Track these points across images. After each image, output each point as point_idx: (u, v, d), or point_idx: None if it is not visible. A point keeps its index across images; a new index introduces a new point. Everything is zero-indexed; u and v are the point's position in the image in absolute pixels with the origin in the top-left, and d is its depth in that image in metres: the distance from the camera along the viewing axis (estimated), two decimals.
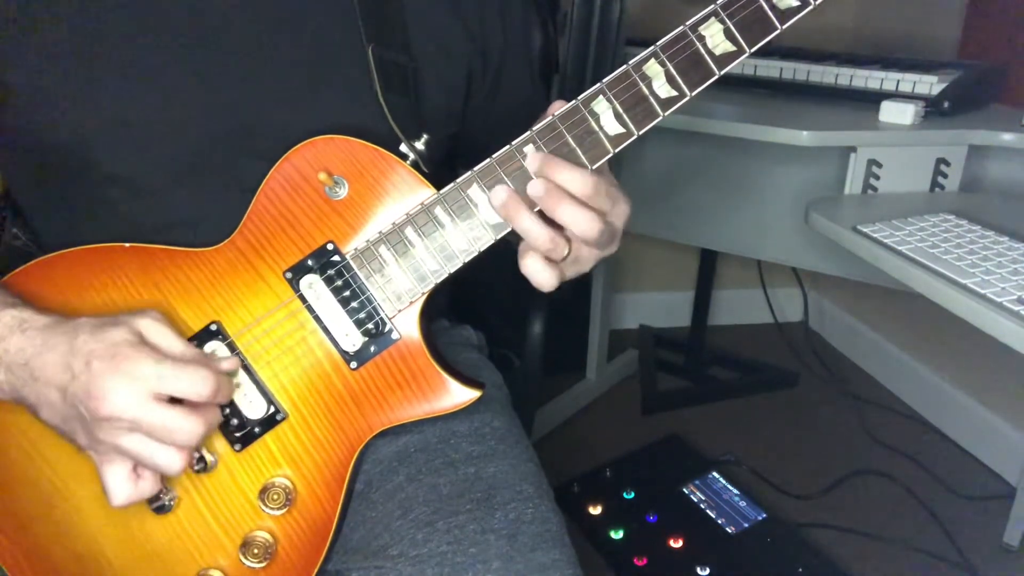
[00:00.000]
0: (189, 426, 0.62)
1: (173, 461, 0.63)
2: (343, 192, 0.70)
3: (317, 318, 0.70)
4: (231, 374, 0.68)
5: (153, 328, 0.64)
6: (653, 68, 0.66)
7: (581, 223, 0.65)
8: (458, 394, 0.72)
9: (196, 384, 0.62)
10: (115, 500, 0.64)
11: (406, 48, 0.76)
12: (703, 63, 0.66)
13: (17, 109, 0.70)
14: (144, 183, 0.72)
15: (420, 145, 0.73)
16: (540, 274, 0.67)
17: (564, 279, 0.71)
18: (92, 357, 0.61)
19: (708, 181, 1.67)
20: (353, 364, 0.71)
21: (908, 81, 1.48)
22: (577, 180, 0.65)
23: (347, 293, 0.70)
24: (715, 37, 0.66)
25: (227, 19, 0.72)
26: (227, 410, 0.69)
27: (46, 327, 0.64)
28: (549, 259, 0.67)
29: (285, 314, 0.70)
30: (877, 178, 1.38)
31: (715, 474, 1.77)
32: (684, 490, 1.72)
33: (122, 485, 0.64)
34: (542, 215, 0.66)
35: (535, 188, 0.65)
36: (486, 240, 0.69)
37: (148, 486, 0.65)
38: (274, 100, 0.73)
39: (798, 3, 0.65)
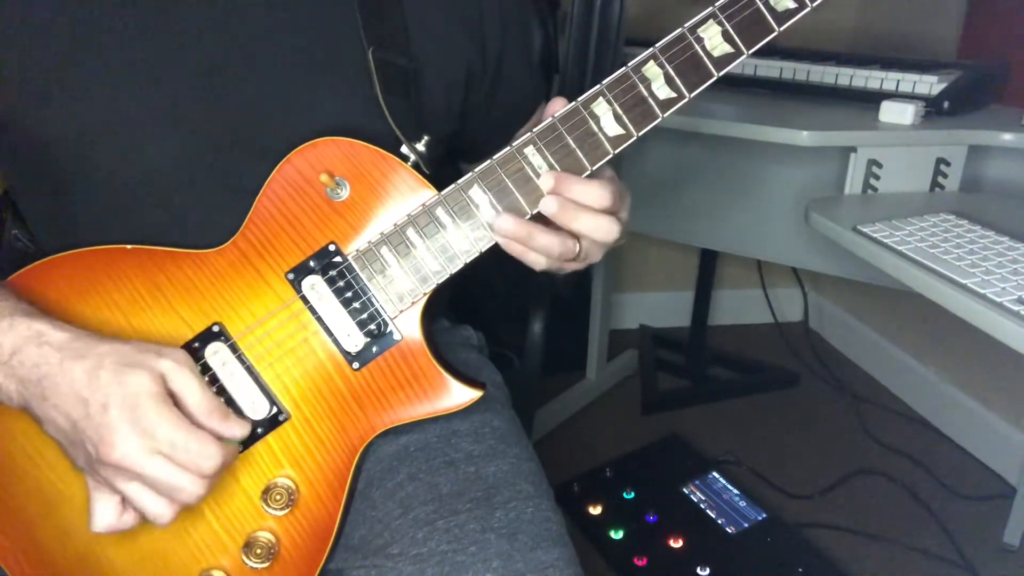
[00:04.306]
0: (192, 488, 0.62)
1: (164, 513, 0.63)
2: (345, 193, 0.70)
3: (319, 319, 0.71)
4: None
5: (176, 374, 0.63)
6: (652, 70, 0.67)
7: (602, 230, 0.68)
8: (459, 394, 0.73)
9: (202, 461, 0.61)
10: (95, 527, 0.65)
11: (406, 50, 0.76)
12: (702, 65, 0.66)
13: (16, 108, 0.70)
14: (145, 184, 0.72)
15: (421, 147, 0.73)
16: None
17: (567, 270, 0.72)
18: (110, 402, 0.60)
19: (708, 181, 1.67)
20: (355, 364, 0.71)
21: (908, 81, 1.48)
22: (595, 194, 0.67)
23: (349, 294, 0.70)
24: (713, 39, 0.66)
25: (227, 20, 0.72)
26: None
27: (64, 346, 0.62)
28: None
29: (287, 315, 0.71)
30: (877, 178, 1.38)
31: (715, 474, 1.77)
32: (684, 490, 1.72)
33: (106, 515, 0.64)
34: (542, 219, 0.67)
35: (549, 206, 0.67)
36: (487, 241, 0.69)
37: (130, 521, 0.65)
38: (275, 102, 0.73)
39: (795, 5, 0.65)
